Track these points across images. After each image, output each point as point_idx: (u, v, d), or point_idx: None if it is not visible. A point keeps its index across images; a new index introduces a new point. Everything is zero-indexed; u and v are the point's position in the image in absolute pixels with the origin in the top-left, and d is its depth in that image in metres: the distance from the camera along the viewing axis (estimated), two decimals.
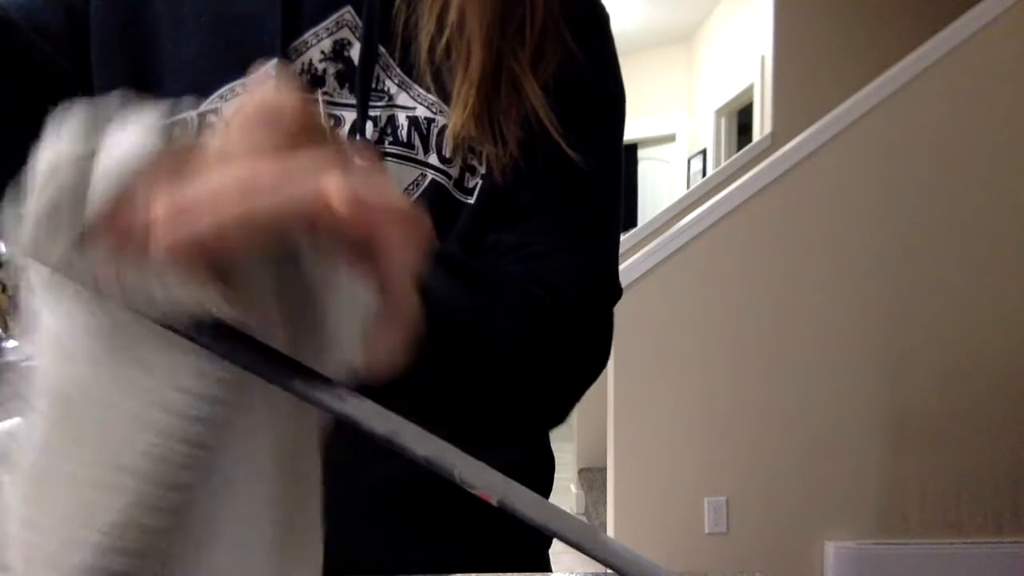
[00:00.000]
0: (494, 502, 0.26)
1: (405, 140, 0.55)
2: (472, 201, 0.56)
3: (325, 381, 0.27)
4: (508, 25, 0.55)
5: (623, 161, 0.63)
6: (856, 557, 2.30)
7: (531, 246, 0.55)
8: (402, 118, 0.56)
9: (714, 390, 2.34)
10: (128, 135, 0.22)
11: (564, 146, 0.55)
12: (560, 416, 0.58)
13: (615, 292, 0.60)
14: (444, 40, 0.54)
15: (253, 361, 0.25)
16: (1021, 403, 2.31)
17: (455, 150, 0.56)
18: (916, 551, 2.31)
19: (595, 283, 0.58)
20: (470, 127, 0.54)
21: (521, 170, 0.55)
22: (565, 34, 0.56)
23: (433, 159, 0.56)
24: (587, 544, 0.25)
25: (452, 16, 0.54)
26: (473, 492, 0.26)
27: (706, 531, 2.33)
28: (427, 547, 0.60)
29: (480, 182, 0.56)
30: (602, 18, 0.62)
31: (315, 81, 0.56)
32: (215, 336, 0.25)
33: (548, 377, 0.54)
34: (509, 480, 0.26)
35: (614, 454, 2.36)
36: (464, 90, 0.54)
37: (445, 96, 0.55)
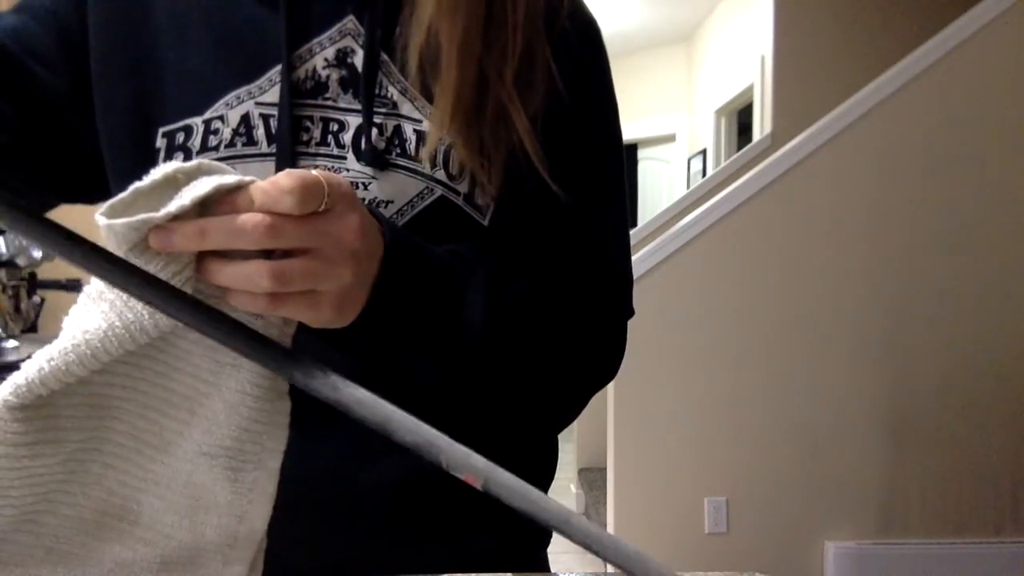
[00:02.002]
0: (479, 486, 0.27)
1: (413, 154, 0.56)
2: (486, 223, 0.58)
3: (322, 371, 0.29)
4: (491, 46, 0.56)
5: (625, 184, 0.66)
6: (856, 557, 2.30)
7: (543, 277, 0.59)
8: (409, 131, 0.57)
9: (714, 390, 2.34)
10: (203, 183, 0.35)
11: (549, 180, 0.57)
12: (569, 413, 0.62)
13: (626, 311, 0.64)
14: (429, 58, 0.56)
15: (255, 351, 0.29)
16: (1021, 403, 2.31)
17: (461, 166, 0.56)
18: (916, 551, 2.31)
19: (605, 304, 0.62)
20: (456, 145, 0.55)
21: (509, 199, 0.58)
22: (550, 58, 0.58)
23: (440, 174, 0.57)
24: (564, 527, 0.26)
25: (421, 37, 0.55)
26: (458, 476, 0.27)
27: (706, 531, 2.33)
28: (427, 547, 0.60)
29: (492, 205, 0.58)
30: (596, 34, 0.64)
31: (319, 87, 0.57)
32: (218, 326, 0.28)
33: (570, 372, 0.60)
34: (493, 466, 0.27)
35: (614, 454, 2.37)
36: (441, 107, 0.55)
37: None
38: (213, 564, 0.38)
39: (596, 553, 0.26)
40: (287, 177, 0.37)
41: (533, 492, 0.26)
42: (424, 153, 0.56)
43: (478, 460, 0.27)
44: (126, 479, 0.36)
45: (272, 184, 0.36)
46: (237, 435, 0.37)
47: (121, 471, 0.36)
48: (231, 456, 0.37)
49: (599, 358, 0.62)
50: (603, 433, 2.47)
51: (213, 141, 0.55)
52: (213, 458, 0.37)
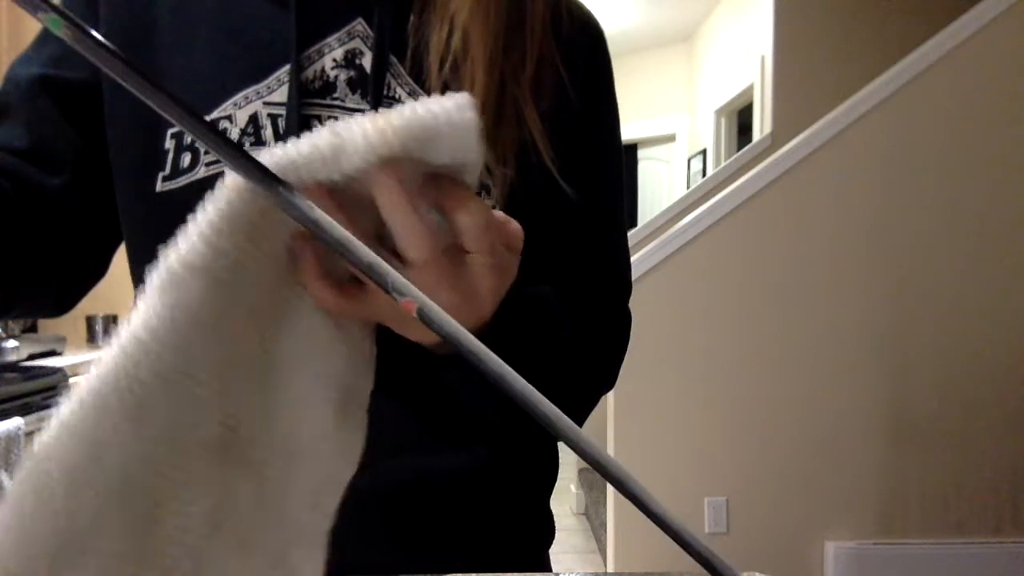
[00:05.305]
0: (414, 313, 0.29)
1: None
2: None
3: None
4: (511, 50, 0.57)
5: (623, 180, 0.67)
6: (856, 557, 2.30)
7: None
8: None
9: (714, 390, 2.34)
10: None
11: (559, 178, 0.58)
12: (581, 420, 0.63)
13: (629, 317, 0.66)
14: (451, 60, 0.56)
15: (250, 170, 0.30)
16: (1021, 403, 2.31)
17: None
18: (916, 551, 2.31)
19: (610, 310, 0.64)
20: None
21: (521, 195, 0.58)
22: (559, 62, 0.59)
23: None
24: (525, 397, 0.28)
25: (456, 42, 0.55)
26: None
27: (706, 531, 2.33)
28: (428, 547, 0.60)
29: (497, 207, 0.58)
30: (600, 38, 0.64)
31: (327, 87, 0.57)
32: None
33: (587, 381, 0.61)
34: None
35: (614, 454, 2.37)
36: None
37: None
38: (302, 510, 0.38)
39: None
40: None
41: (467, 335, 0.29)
42: None
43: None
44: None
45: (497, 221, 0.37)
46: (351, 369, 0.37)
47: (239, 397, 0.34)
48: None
49: (608, 367, 0.64)
50: (603, 433, 2.47)
51: None
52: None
